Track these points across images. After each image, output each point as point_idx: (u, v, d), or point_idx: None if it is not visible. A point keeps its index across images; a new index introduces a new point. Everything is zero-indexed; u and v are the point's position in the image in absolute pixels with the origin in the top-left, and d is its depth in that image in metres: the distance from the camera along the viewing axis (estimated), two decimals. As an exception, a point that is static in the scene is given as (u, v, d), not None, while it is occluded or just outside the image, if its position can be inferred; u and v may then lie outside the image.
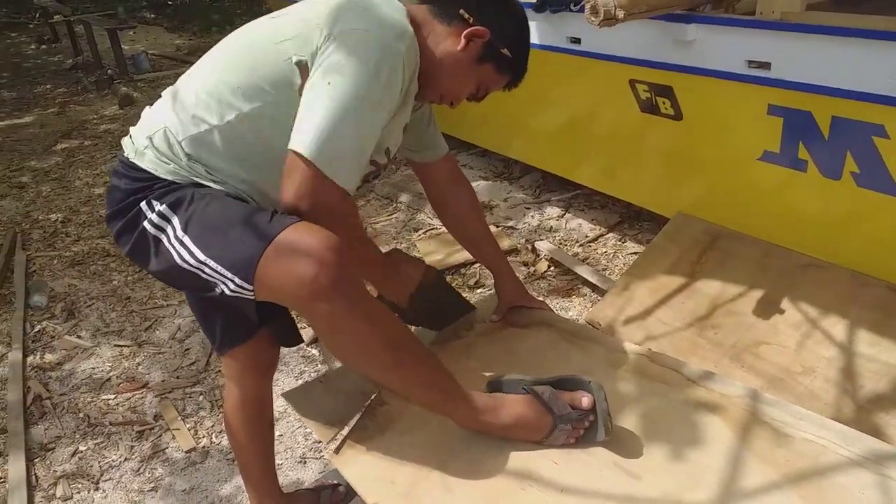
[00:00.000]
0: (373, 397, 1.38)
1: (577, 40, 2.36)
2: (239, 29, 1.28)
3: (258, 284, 1.05)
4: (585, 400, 1.17)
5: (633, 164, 2.52)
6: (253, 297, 1.07)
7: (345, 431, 1.32)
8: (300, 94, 1.13)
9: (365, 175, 1.29)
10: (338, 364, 2.14)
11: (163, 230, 1.14)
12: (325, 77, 1.09)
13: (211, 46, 1.29)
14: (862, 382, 1.70)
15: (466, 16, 1.23)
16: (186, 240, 1.11)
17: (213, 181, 1.19)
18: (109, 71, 6.61)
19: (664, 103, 2.18)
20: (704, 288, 2.13)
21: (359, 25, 1.12)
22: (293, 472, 1.84)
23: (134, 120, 1.31)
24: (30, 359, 2.43)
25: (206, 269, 1.09)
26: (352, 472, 1.22)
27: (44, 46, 8.78)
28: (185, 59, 7.07)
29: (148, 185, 1.17)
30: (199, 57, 1.30)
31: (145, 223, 1.15)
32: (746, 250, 2.17)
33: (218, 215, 1.11)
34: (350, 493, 1.70)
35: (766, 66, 1.83)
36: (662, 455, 1.15)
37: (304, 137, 1.07)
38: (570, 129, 2.75)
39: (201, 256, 1.09)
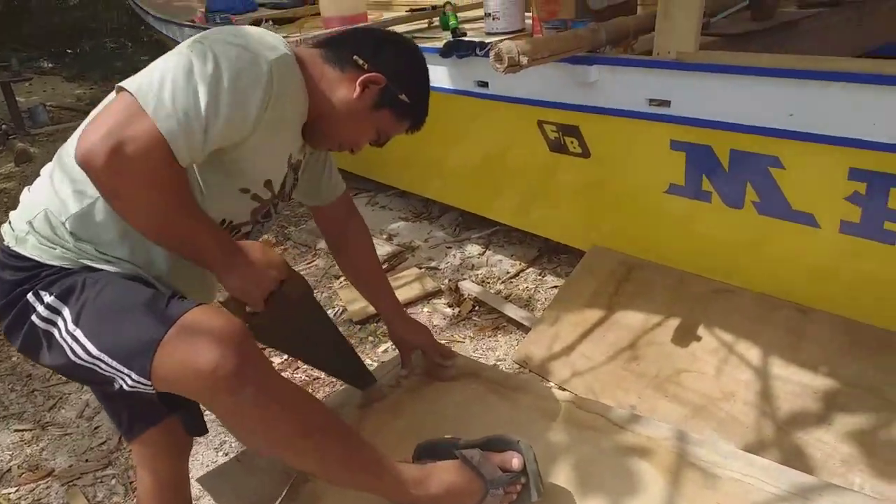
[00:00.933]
0: (295, 476, 1.31)
1: (484, 84, 2.39)
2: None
3: (156, 379, 0.98)
4: (516, 461, 1.15)
5: (546, 200, 2.56)
6: (153, 391, 1.00)
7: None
8: None
9: (253, 213, 1.24)
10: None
11: (53, 324, 1.06)
12: (178, 48, 1.05)
13: None
14: (779, 404, 1.76)
15: (361, 62, 1.19)
16: (78, 333, 1.03)
17: (105, 261, 1.11)
18: (4, 126, 6.27)
19: (572, 142, 2.23)
20: (623, 319, 2.17)
21: (227, 37, 1.06)
22: (219, 553, 1.73)
23: (32, 177, 1.22)
24: (-82, 453, 2.21)
25: (102, 365, 1.02)
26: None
27: (-70, 103, 8.24)
28: (87, 110, 6.77)
29: (34, 273, 1.09)
30: None
31: (34, 317, 1.07)
32: (661, 279, 2.23)
33: (110, 304, 1.04)
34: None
35: (666, 103, 1.89)
36: (597, 508, 1.14)
37: (139, 80, 1.01)
38: (484, 168, 2.78)
39: (95, 352, 1.02)
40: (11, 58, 7.36)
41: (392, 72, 1.20)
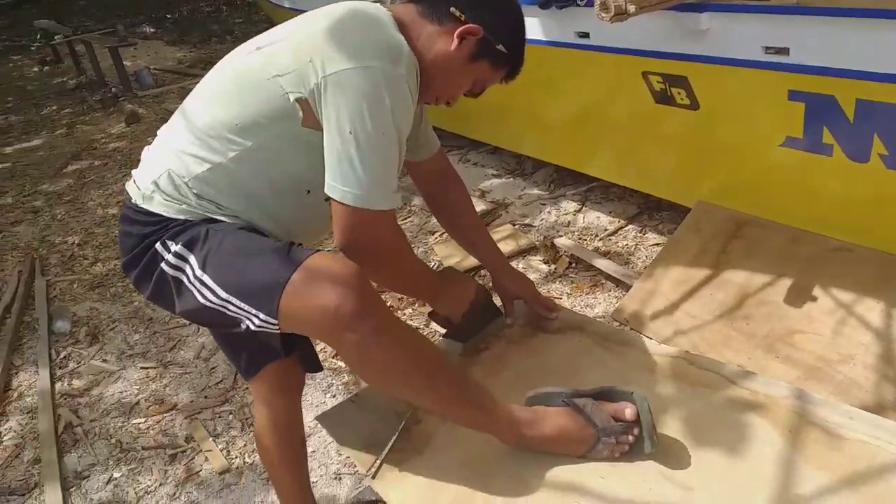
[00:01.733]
0: (407, 416, 1.36)
1: (585, 34, 2.33)
2: (225, 59, 1.25)
3: (282, 318, 1.04)
4: (629, 411, 1.15)
5: (649, 154, 2.49)
6: (278, 331, 1.06)
7: (382, 456, 1.31)
8: (306, 127, 1.15)
9: None
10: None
11: (181, 270, 1.13)
12: (343, 125, 1.08)
13: (211, 58, 1.29)
14: (902, 368, 1.67)
15: (458, 13, 1.20)
16: (206, 278, 1.10)
17: (225, 216, 1.17)
18: (113, 89, 6.61)
19: (679, 94, 2.14)
20: (732, 278, 2.10)
21: (354, 63, 1.09)
22: (328, 488, 1.83)
23: (141, 137, 1.31)
24: (58, 385, 2.43)
25: (230, 307, 1.08)
26: (394, 498, 1.21)
27: (47, 68, 8.79)
28: (188, 72, 7.06)
29: (160, 226, 1.16)
30: (202, 69, 1.30)
31: (163, 265, 1.14)
32: (773, 237, 2.14)
33: (234, 251, 1.10)
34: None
35: (784, 51, 1.79)
36: (712, 464, 1.13)
37: (342, 187, 1.09)
38: (583, 122, 2.72)
39: (223, 294, 1.08)
40: (117, 24, 7.71)
41: (489, 21, 1.21)
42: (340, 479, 1.86)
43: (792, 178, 2.02)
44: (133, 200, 1.21)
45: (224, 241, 1.13)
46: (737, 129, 2.09)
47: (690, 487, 1.09)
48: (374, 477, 1.25)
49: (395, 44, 1.13)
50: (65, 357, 2.60)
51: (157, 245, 1.15)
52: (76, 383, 2.44)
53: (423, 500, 1.17)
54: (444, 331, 1.63)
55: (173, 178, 1.17)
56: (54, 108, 6.75)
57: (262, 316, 1.06)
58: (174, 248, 1.14)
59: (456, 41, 1.19)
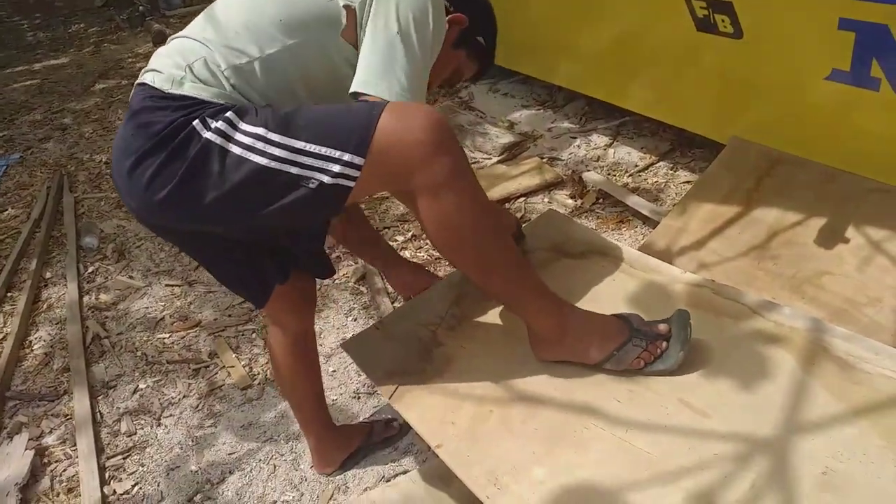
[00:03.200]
0: (428, 341, 1.36)
1: (628, -45, 2.22)
2: None
3: (373, 154, 1.00)
4: (663, 326, 1.16)
5: (686, 87, 2.40)
6: (352, 184, 1.02)
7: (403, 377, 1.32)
8: (343, 38, 1.15)
9: None
10: (386, 305, 2.14)
11: (229, 138, 1.03)
12: (391, 25, 1.11)
13: None
14: (933, 312, 1.63)
15: (447, 4, 1.26)
16: (272, 135, 1.02)
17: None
18: (141, 8, 6.54)
19: (723, 21, 2.04)
20: (762, 216, 2.05)
21: None
22: (347, 407, 1.87)
23: None
24: (85, 299, 2.49)
25: (302, 159, 1.02)
26: (412, 416, 1.22)
27: (74, -16, 8.69)
28: (215, -7, 6.94)
29: (195, 108, 1.06)
30: None
31: (208, 134, 1.03)
32: (807, 176, 2.07)
33: (303, 110, 1.06)
34: (404, 429, 1.72)
35: (838, -25, 1.69)
36: (730, 392, 1.12)
37: (397, 83, 1.08)
38: (619, 51, 2.62)
39: (298, 144, 1.02)
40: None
41: (473, 15, 1.31)
42: (359, 398, 1.89)
43: (834, 114, 1.94)
44: (156, 86, 1.10)
45: (284, 107, 1.07)
46: (781, 61, 2.00)
47: (707, 413, 1.08)
48: (391, 397, 1.26)
49: None
50: (92, 272, 2.65)
51: (196, 122, 1.04)
52: (103, 297, 2.49)
53: (441, 419, 1.18)
54: None
55: (209, 65, 1.11)
56: (82, 25, 6.71)
57: (346, 157, 1.00)
58: (215, 124, 1.04)
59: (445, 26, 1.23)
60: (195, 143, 1.03)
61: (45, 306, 2.49)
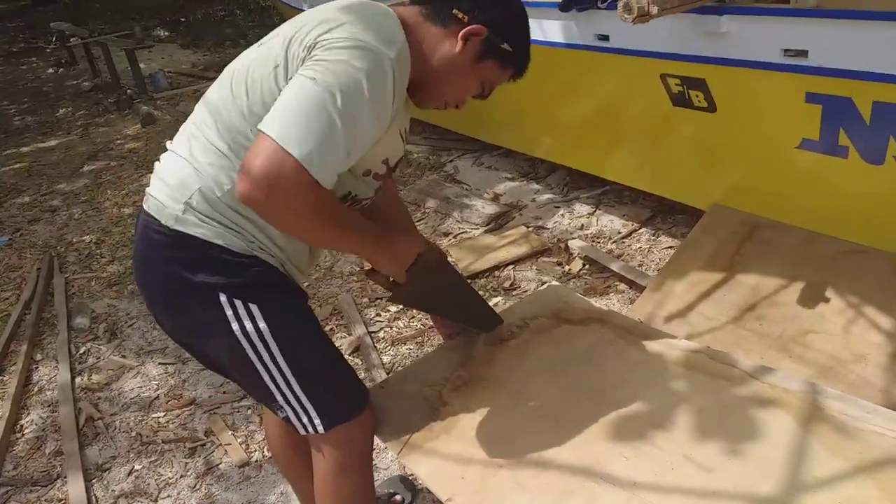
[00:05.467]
0: (434, 401, 1.39)
1: (605, 37, 2.36)
2: (232, 65, 1.21)
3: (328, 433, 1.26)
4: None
5: (664, 157, 2.51)
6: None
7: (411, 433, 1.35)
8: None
9: (375, 190, 1.28)
10: (381, 377, 2.15)
11: (253, 345, 1.19)
12: (307, 72, 1.05)
13: (225, 61, 1.27)
14: (916, 368, 1.69)
15: (461, 16, 1.18)
16: (287, 374, 1.22)
17: (260, 247, 1.18)
18: (129, 91, 6.68)
19: (697, 96, 2.17)
20: (745, 279, 2.12)
21: (346, 34, 1.08)
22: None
23: (157, 138, 1.30)
24: (78, 380, 2.47)
25: (290, 398, 1.23)
26: (422, 470, 1.25)
27: (62, 70, 8.88)
28: (202, 76, 7.14)
29: (200, 255, 1.16)
30: (215, 72, 1.30)
31: (234, 326, 1.17)
32: (786, 239, 2.16)
33: (306, 348, 1.24)
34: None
35: (802, 53, 1.82)
36: (732, 448, 1.15)
37: (277, 124, 1.02)
38: (598, 125, 2.75)
39: (296, 388, 1.22)
40: (134, 26, 7.79)
41: (492, 21, 1.19)
42: (358, 472, 1.88)
43: (807, 181, 2.04)
44: (163, 222, 1.15)
45: (291, 325, 1.22)
46: (753, 132, 2.11)
47: (711, 468, 1.11)
48: (399, 452, 1.29)
49: (391, 32, 1.12)
50: (84, 352, 2.64)
51: (222, 296, 1.16)
52: (96, 378, 2.47)
53: (451, 475, 1.21)
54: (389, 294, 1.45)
55: (206, 195, 1.14)
56: (70, 109, 6.82)
57: (316, 423, 1.24)
58: (249, 323, 1.17)
59: (460, 43, 1.17)
60: (223, 323, 1.18)
61: (35, 389, 2.46)
